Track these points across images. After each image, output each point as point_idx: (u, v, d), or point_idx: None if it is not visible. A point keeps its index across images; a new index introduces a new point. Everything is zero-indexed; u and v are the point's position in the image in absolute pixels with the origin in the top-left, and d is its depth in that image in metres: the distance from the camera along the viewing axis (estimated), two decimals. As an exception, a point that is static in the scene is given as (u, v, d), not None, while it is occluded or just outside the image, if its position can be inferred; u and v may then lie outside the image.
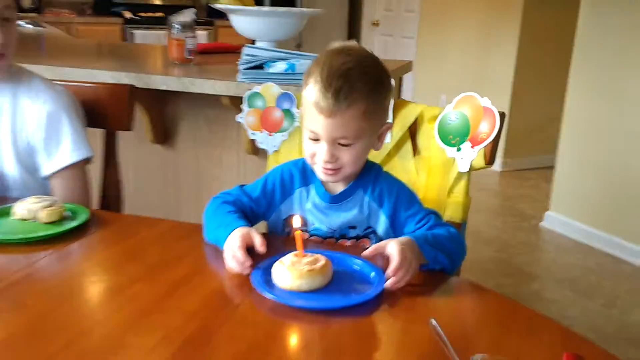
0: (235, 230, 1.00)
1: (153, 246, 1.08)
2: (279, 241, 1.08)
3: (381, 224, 1.13)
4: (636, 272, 2.83)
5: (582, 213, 3.18)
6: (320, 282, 0.90)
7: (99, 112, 1.44)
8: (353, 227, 1.12)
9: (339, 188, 1.12)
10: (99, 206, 1.48)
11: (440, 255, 0.99)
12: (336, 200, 1.12)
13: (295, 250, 0.93)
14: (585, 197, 3.18)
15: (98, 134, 1.50)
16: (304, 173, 1.16)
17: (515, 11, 4.12)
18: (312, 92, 1.01)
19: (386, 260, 0.94)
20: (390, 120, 1.18)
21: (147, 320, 0.82)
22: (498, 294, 0.90)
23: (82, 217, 1.13)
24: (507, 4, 4.19)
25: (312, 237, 1.13)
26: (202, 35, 4.99)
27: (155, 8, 5.42)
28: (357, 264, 0.98)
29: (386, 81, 1.06)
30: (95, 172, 1.47)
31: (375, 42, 5.59)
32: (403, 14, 5.36)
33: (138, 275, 0.95)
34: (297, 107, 1.36)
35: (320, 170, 1.07)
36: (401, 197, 1.12)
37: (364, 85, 1.00)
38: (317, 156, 1.05)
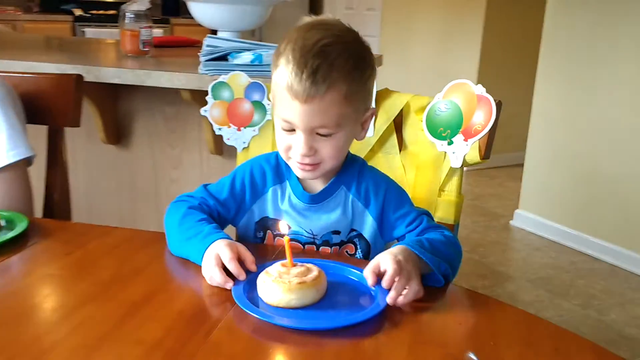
0: (218, 241, 0.86)
1: (106, 259, 0.92)
2: (255, 249, 0.93)
3: (367, 226, 1.00)
4: (610, 270, 2.79)
5: (553, 211, 3.14)
6: (313, 296, 0.77)
7: (42, 106, 1.26)
8: (336, 233, 0.99)
9: (319, 186, 0.99)
10: (42, 213, 1.30)
11: (443, 264, 0.86)
12: (316, 200, 0.98)
13: (282, 259, 0.79)
14: (555, 194, 3.14)
15: (42, 131, 1.32)
16: (277, 169, 1.01)
17: (478, 6, 4.08)
18: (283, 75, 0.86)
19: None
20: (374, 105, 1.04)
21: (99, 353, 0.67)
22: (516, 308, 0.79)
23: (20, 227, 0.96)
24: (470, 1, 4.14)
25: (291, 244, 0.99)
26: (156, 34, 4.77)
27: (107, 5, 5.17)
28: (354, 275, 0.85)
29: (369, 58, 0.92)
30: (38, 174, 1.29)
31: (337, 41, 5.48)
32: (364, 12, 5.26)
33: (88, 295, 0.80)
34: (268, 99, 1.22)
35: (296, 166, 0.93)
36: (390, 196, 0.99)
37: (345, 63, 0.86)
38: (293, 150, 0.91)
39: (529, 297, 2.51)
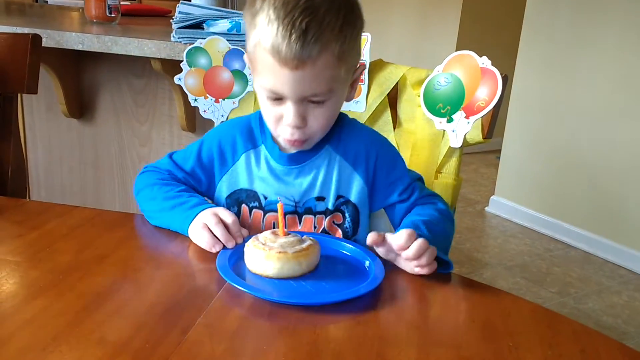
0: (210, 208, 0.81)
1: (64, 242, 0.80)
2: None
3: (355, 190, 0.89)
4: (585, 257, 2.78)
5: (529, 198, 3.11)
6: (293, 269, 0.71)
7: (-8, 70, 1.12)
8: (321, 199, 0.88)
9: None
10: (-7, 190, 1.16)
11: (448, 248, 0.80)
12: (296, 160, 0.88)
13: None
14: (532, 181, 3.11)
15: (-7, 99, 1.18)
16: (250, 133, 0.90)
17: (457, -10, 4.00)
18: (265, 37, 0.74)
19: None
20: (362, 58, 0.94)
21: (54, 355, 0.55)
22: (532, 303, 0.70)
23: (-36, 204, 0.84)
24: (450, -17, 4.06)
25: (269, 213, 0.89)
26: (123, 4, 4.57)
27: (71, -26, 4.92)
28: (347, 249, 0.80)
29: (357, 7, 0.81)
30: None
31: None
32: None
33: (42, 285, 0.68)
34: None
35: (283, 140, 0.84)
36: (382, 157, 0.89)
37: (335, 19, 0.75)
38: (284, 120, 0.80)
39: (506, 285, 2.47)
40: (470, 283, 0.76)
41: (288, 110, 0.79)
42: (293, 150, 0.87)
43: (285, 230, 0.75)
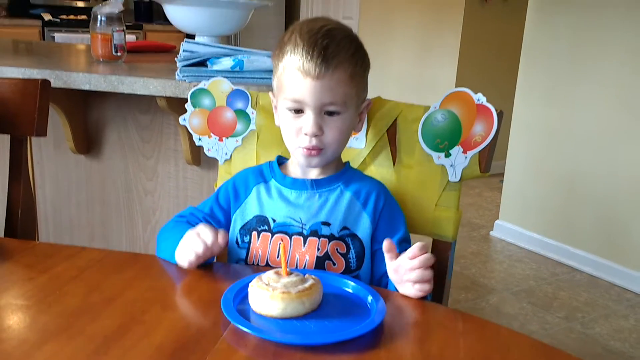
0: (189, 230, 0.88)
1: (73, 285, 0.82)
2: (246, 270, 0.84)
3: (363, 227, 0.96)
4: (591, 281, 2.77)
5: (533, 221, 3.12)
6: (297, 308, 0.73)
7: (4, 114, 1.15)
8: (326, 224, 0.95)
9: (313, 177, 0.99)
10: (3, 231, 1.18)
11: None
12: (312, 186, 0.97)
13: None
14: (536, 205, 3.12)
15: (4, 140, 1.22)
16: (261, 172, 1.02)
17: (456, 15, 4.06)
18: (293, 58, 0.91)
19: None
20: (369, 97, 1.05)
21: (64, 401, 0.57)
22: (531, 338, 0.71)
23: (-24, 249, 0.86)
24: (448, 9, 4.12)
25: (277, 235, 0.95)
26: (129, 40, 4.65)
27: (77, 10, 5.02)
28: (349, 286, 0.82)
29: (365, 50, 0.98)
30: (2, 190, 1.18)
31: (313, 49, 5.43)
32: (341, 20, 5.20)
33: (53, 329, 0.70)
34: (253, 107, 1.13)
35: (301, 152, 0.94)
36: (388, 204, 0.99)
37: (349, 46, 0.93)
38: (303, 129, 0.92)
39: (512, 310, 2.47)
40: (470, 318, 0.78)
41: (307, 120, 0.91)
42: (311, 164, 0.96)
43: (288, 269, 0.77)
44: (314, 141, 0.92)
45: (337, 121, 0.93)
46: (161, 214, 1.89)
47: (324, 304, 0.77)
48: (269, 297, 0.73)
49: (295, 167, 1.00)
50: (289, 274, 0.77)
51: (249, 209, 0.99)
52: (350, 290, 0.81)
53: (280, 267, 0.77)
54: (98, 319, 0.73)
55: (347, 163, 1.03)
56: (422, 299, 0.82)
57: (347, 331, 0.70)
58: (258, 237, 0.96)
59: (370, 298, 0.78)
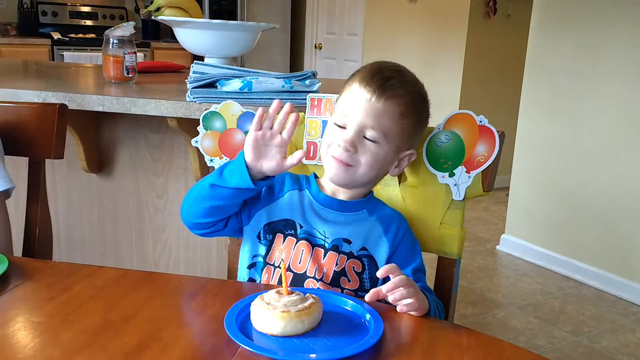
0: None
1: (93, 304, 0.85)
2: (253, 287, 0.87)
3: (382, 251, 1.00)
4: (598, 295, 2.78)
5: (539, 236, 3.14)
6: (296, 327, 0.76)
7: (23, 137, 1.20)
8: (348, 242, 0.99)
9: (341, 198, 1.02)
10: (21, 250, 1.22)
11: (437, 313, 0.91)
12: (338, 206, 1.01)
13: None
14: (542, 219, 3.14)
15: (22, 163, 1.26)
16: (298, 180, 1.05)
17: (459, 32, 4.11)
18: (358, 78, 0.97)
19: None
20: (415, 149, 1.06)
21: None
22: (534, 354, 0.74)
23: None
24: (451, 26, 4.17)
25: (301, 241, 0.99)
26: (138, 58, 4.73)
27: (86, 29, 5.11)
28: (348, 304, 0.85)
29: (427, 108, 1.03)
30: (16, 208, 1.22)
31: (319, 65, 5.49)
32: (346, 37, 5.28)
33: (76, 345, 0.73)
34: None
35: (331, 161, 0.96)
36: (407, 233, 1.02)
37: (412, 86, 0.99)
38: (337, 140, 0.96)
39: (519, 325, 2.48)
40: (473, 333, 0.81)
41: (346, 133, 0.95)
42: (337, 178, 0.98)
43: (289, 288, 0.80)
44: (344, 155, 0.95)
45: (373, 147, 0.96)
46: (171, 231, 1.93)
47: (324, 322, 0.79)
48: (270, 315, 0.76)
49: (326, 186, 1.03)
50: (290, 293, 0.79)
51: (279, 209, 1.02)
52: (350, 309, 0.84)
53: (282, 287, 0.80)
54: (118, 336, 0.76)
55: (372, 192, 1.06)
56: (426, 315, 0.85)
57: (344, 349, 0.72)
58: (284, 239, 1.00)
59: (368, 316, 0.80)
